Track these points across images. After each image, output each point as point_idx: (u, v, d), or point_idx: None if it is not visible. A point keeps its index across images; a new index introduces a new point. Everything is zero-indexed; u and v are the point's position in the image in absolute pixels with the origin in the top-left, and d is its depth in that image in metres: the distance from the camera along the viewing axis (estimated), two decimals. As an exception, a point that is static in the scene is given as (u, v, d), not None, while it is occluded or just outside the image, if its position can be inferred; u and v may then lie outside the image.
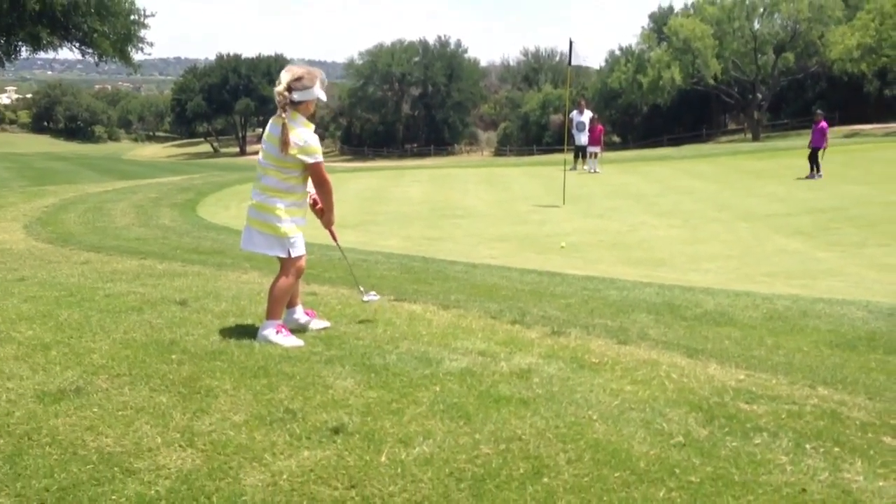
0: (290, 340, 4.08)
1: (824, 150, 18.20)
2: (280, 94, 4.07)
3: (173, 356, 3.73)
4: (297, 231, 4.21)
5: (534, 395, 3.32)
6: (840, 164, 20.01)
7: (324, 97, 4.20)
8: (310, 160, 4.10)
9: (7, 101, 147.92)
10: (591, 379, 3.57)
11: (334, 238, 4.60)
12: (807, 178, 17.93)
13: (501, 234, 11.46)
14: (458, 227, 12.31)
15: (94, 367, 3.54)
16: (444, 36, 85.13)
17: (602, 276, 7.32)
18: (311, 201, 4.39)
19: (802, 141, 19.09)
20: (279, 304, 4.20)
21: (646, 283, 6.84)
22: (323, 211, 4.38)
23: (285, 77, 4.09)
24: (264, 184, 4.18)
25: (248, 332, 4.25)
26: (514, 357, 3.88)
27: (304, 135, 4.07)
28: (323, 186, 4.24)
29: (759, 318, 5.41)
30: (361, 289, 4.81)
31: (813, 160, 18.19)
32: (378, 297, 4.73)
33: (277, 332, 4.10)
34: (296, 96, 4.08)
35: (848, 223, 11.64)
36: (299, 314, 4.43)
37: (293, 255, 4.19)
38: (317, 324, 4.45)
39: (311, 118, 4.23)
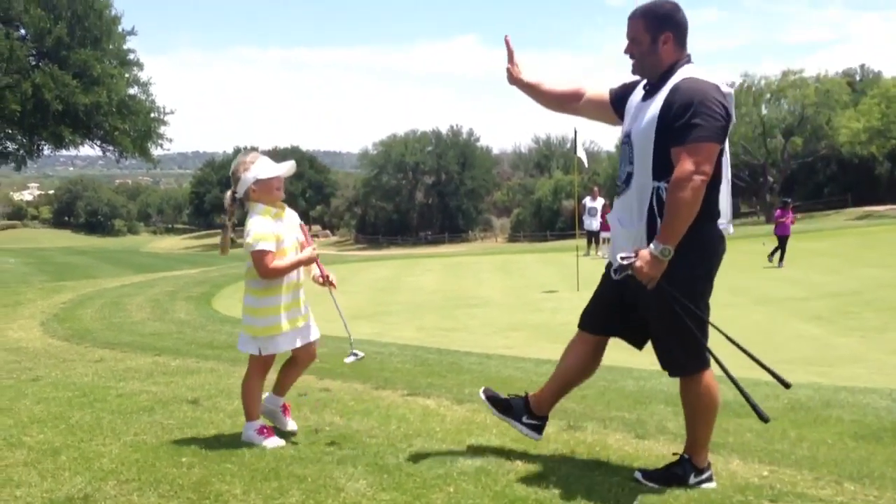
0: (272, 441, 3.99)
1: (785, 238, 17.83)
2: (227, 198, 4.06)
3: (183, 459, 3.68)
4: (269, 332, 4.00)
5: (550, 495, 3.23)
6: (855, 247, 19.97)
7: (262, 174, 3.96)
8: (247, 250, 3.90)
9: (30, 198, 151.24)
10: (608, 478, 3.48)
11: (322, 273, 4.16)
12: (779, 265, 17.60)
13: (516, 322, 11.41)
14: (473, 316, 12.27)
15: (104, 473, 3.50)
16: (457, 125, 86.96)
17: (618, 366, 7.23)
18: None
19: (816, 224, 19.15)
20: (250, 401, 4.10)
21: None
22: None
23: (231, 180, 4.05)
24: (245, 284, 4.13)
25: (259, 431, 4.20)
26: (529, 454, 3.80)
27: (249, 224, 3.95)
28: (270, 279, 3.92)
29: (780, 409, 5.29)
30: (352, 341, 4.34)
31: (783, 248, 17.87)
32: (359, 357, 4.19)
33: (260, 434, 4.02)
34: (238, 192, 4.01)
35: (866, 307, 11.50)
36: (277, 404, 4.31)
37: (263, 353, 4.06)
38: (290, 424, 4.31)
39: (268, 198, 3.99)
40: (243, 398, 4.13)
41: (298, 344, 4.14)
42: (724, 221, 3.41)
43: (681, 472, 3.46)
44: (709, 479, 3.46)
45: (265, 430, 4.06)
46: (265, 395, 4.30)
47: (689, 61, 3.37)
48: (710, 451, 3.95)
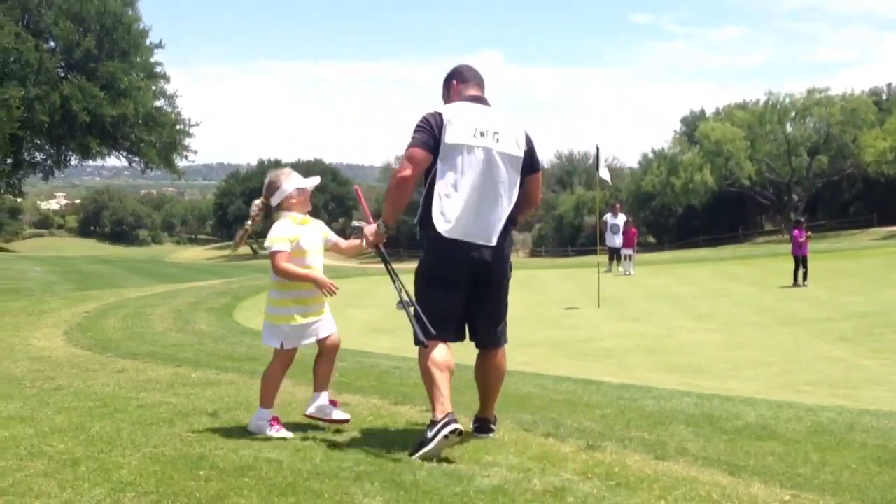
0: (280, 433, 4.35)
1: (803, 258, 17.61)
2: (256, 205, 4.52)
3: (202, 472, 3.69)
4: (286, 321, 4.40)
5: (568, 516, 3.20)
6: (881, 267, 19.71)
7: (299, 184, 4.49)
8: (266, 251, 4.38)
9: (56, 207, 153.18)
10: (627, 499, 3.44)
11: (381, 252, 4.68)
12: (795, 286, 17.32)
13: (535, 338, 11.35)
14: (493, 331, 12.20)
15: (122, 485, 3.51)
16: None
17: (638, 385, 7.17)
18: (357, 241, 4.69)
19: (840, 243, 18.91)
20: (266, 391, 4.47)
21: (684, 392, 6.68)
22: (365, 238, 4.61)
23: (264, 190, 4.52)
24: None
25: (277, 445, 4.20)
26: (547, 474, 3.77)
27: (272, 228, 4.42)
28: (281, 277, 4.39)
29: (803, 432, 5.21)
30: (405, 294, 4.44)
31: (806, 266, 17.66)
32: (409, 307, 4.38)
33: (271, 424, 4.38)
34: (273, 201, 4.47)
35: (892, 329, 11.34)
36: (324, 399, 4.62)
37: (285, 347, 4.45)
38: (338, 414, 4.62)
39: (301, 207, 4.52)
40: (262, 384, 4.49)
41: (315, 339, 4.52)
42: (448, 228, 4.26)
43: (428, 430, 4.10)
44: (438, 431, 4.00)
45: (275, 422, 4.38)
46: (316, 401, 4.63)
47: (464, 99, 4.37)
48: (732, 475, 3.92)
